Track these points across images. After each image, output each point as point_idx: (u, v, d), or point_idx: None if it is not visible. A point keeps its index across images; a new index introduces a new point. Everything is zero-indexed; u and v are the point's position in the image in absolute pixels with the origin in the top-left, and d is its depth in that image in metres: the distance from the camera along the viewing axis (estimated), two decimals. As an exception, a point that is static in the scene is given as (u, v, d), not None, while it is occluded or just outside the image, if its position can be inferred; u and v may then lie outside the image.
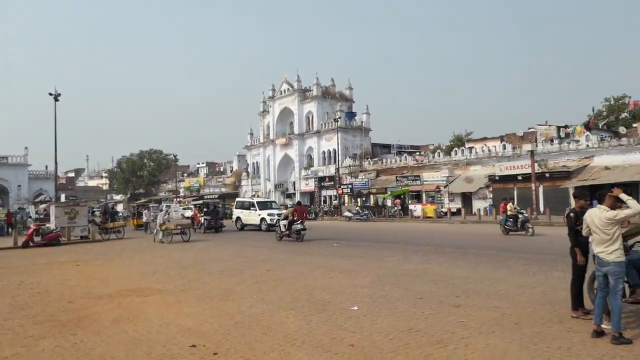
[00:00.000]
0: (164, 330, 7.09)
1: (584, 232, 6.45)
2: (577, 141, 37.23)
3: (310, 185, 59.73)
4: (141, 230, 32.50)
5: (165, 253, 18.16)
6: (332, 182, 54.42)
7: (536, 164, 35.37)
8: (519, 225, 21.35)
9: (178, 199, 66.27)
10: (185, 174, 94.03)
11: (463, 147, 46.38)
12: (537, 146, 37.83)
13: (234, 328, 7.03)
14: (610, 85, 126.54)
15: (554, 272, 10.98)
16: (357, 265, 13.05)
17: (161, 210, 31.38)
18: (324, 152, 59.28)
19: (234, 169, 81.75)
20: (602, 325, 6.10)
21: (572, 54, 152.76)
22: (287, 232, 21.28)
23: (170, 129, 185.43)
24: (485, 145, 44.22)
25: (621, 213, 5.95)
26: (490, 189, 40.72)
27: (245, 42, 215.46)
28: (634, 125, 38.03)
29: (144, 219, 33.23)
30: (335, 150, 55.18)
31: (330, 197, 56.20)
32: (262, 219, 30.14)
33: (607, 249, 5.93)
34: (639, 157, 32.74)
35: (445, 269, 12.04)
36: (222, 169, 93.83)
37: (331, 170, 55.76)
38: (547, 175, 36.17)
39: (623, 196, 6.30)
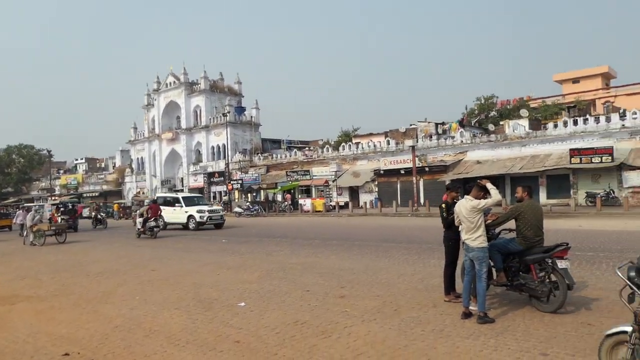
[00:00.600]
0: (32, 339, 6.53)
1: (456, 222, 6.96)
2: (453, 137, 40.08)
3: (199, 181, 58.28)
4: (4, 232, 29.65)
5: (38, 256, 16.73)
6: (222, 178, 53.55)
7: (417, 159, 37.55)
8: None
9: (53, 198, 61.26)
10: (61, 171, 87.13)
11: (350, 143, 47.92)
12: (417, 142, 40.19)
13: (113, 332, 6.67)
14: (481, 84, 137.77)
15: (431, 260, 11.73)
16: (245, 261, 12.98)
17: (31, 211, 28.69)
18: (213, 147, 58.11)
19: (117, 165, 77.34)
20: (470, 307, 6.64)
21: (447, 55, 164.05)
22: (142, 230, 22.23)
23: (43, 122, 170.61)
24: (371, 140, 46.08)
25: (483, 202, 6.51)
26: (376, 182, 42.55)
27: (129, 31, 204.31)
28: (501, 123, 41.76)
29: (18, 220, 30.06)
30: (224, 146, 54.34)
31: (220, 192, 55.26)
32: (190, 217, 26.43)
33: (472, 236, 6.45)
34: (505, 152, 36.04)
35: (332, 261, 12.37)
36: (103, 165, 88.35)
37: (221, 165, 54.83)
38: (427, 169, 38.57)
39: (489, 185, 6.89)
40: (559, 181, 32.70)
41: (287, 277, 10.23)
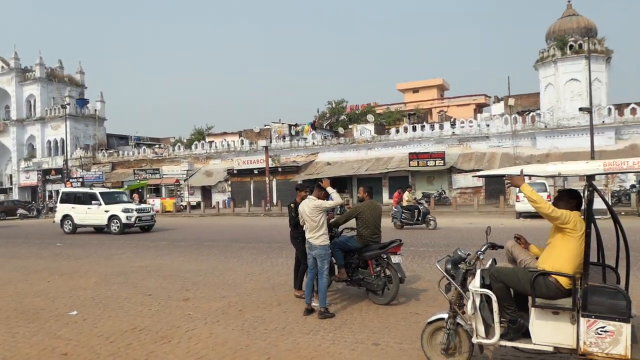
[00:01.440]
0: None
1: (300, 222, 7.13)
2: (305, 139, 41.30)
3: (33, 179, 52.52)
4: None
5: None
6: (60, 176, 48.84)
7: (270, 159, 37.99)
8: (419, 218, 18.47)
9: None
10: None
11: (203, 141, 46.88)
12: (271, 142, 40.69)
13: None
14: (333, 89, 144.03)
15: (279, 258, 11.91)
16: (81, 266, 11.95)
17: None
18: (49, 142, 52.72)
19: None
20: (313, 304, 6.85)
21: (301, 58, 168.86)
22: None
23: None
24: (225, 139, 45.58)
25: (326, 202, 6.77)
26: (229, 182, 42.17)
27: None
28: (350, 126, 44.06)
29: None
30: (63, 140, 49.67)
31: (58, 191, 50.34)
32: (113, 217, 21.55)
33: (314, 235, 6.67)
34: (353, 155, 38.08)
35: (179, 263, 11.94)
36: None
37: (58, 162, 50.00)
38: (280, 169, 39.23)
39: (329, 189, 7.17)
40: (399, 182, 35.30)
41: (127, 282, 9.62)
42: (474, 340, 4.37)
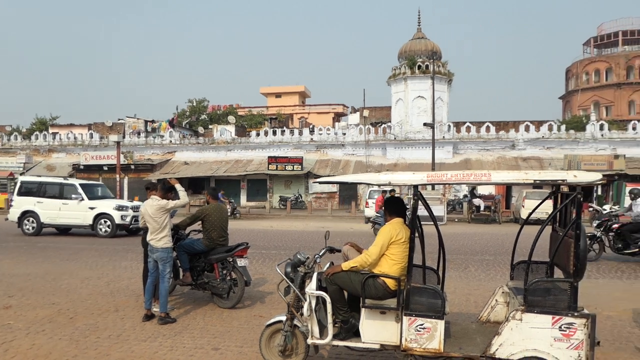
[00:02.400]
0: None
1: (140, 223, 6.77)
2: (162, 136, 39.56)
3: None
4: None
5: None
6: None
7: (123, 156, 35.72)
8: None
9: None
10: None
11: (46, 132, 42.59)
12: (124, 138, 38.30)
13: None
14: (194, 87, 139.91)
15: (123, 262, 11.21)
16: None
17: None
18: None
19: None
20: (152, 309, 6.54)
21: (162, 53, 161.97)
22: None
23: None
24: (72, 132, 41.90)
25: (171, 203, 6.52)
26: (75, 178, 38.75)
27: None
28: (211, 126, 43.18)
29: None
30: None
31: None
32: (100, 216, 16.91)
33: (156, 237, 6.39)
34: (212, 155, 37.36)
35: (5, 266, 10.66)
36: None
37: None
38: (133, 167, 37.08)
39: (178, 187, 6.93)
40: (258, 185, 35.58)
41: None
42: (309, 341, 4.51)
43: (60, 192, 17.66)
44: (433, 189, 25.49)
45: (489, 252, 13.41)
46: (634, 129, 32.69)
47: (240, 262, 7.01)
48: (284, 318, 4.71)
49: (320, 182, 4.73)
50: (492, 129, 34.18)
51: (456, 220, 25.33)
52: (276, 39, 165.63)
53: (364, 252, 4.52)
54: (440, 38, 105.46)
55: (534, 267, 4.84)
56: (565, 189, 4.56)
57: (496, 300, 4.94)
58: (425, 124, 29.42)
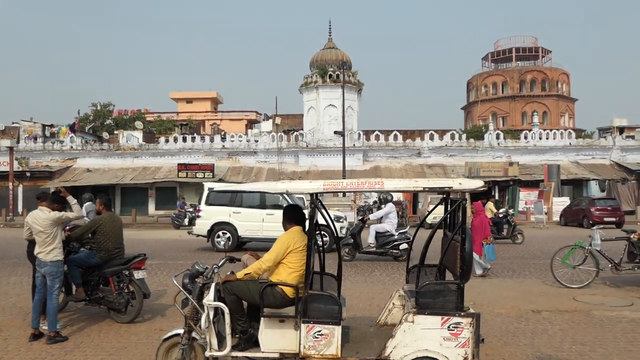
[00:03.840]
0: None
1: (24, 235, 6.30)
2: (62, 142, 37.18)
3: None
4: None
5: None
6: None
7: (17, 162, 33.18)
8: (507, 232, 16.15)
9: None
10: None
11: None
12: (18, 143, 35.60)
13: None
14: (97, 90, 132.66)
15: (12, 276, 10.37)
16: None
17: None
18: None
19: None
20: (41, 327, 6.09)
21: (62, 52, 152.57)
22: None
23: None
24: (-44, 136, 38.23)
25: (64, 214, 6.13)
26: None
27: None
28: (116, 132, 41.22)
29: None
30: None
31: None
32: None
33: (45, 249, 5.97)
34: (117, 162, 35.65)
35: None
36: None
37: None
38: (29, 174, 34.53)
39: (70, 199, 6.54)
40: (167, 193, 34.37)
41: None
42: (207, 353, 4.41)
43: (262, 202, 15.24)
44: (344, 195, 26.04)
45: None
46: (525, 137, 35.41)
47: (138, 275, 6.71)
48: (181, 331, 4.56)
49: (218, 192, 4.65)
50: (400, 137, 35.57)
51: (367, 225, 25.95)
52: (188, 43, 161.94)
53: (259, 260, 4.50)
54: (350, 48, 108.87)
55: (428, 270, 5.07)
56: (453, 195, 4.82)
57: (393, 303, 5.11)
58: (336, 132, 30.01)
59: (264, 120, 50.62)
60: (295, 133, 36.46)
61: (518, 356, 5.49)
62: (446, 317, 4.15)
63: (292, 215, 4.70)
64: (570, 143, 35.27)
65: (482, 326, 6.42)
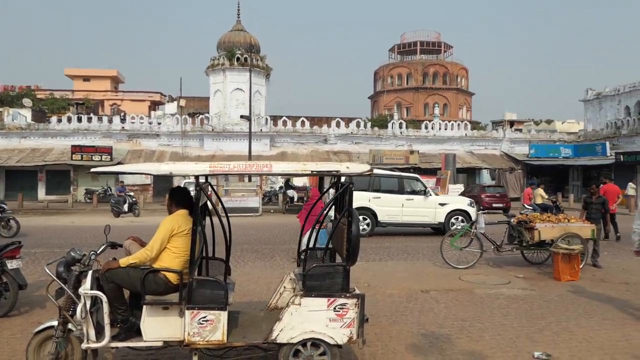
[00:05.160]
0: None
1: None
2: None
3: None
4: None
5: None
6: None
7: None
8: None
9: None
10: None
11: None
12: None
13: None
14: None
15: None
16: None
17: None
18: None
19: None
20: None
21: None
22: None
23: None
24: None
25: None
26: None
27: None
28: (1, 109, 37.63)
29: None
30: None
31: None
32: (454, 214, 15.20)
33: None
34: (1, 143, 32.62)
35: None
36: None
37: None
38: None
39: None
40: (59, 177, 32.11)
41: None
42: (84, 345, 4.14)
43: (401, 187, 15.44)
44: (250, 180, 25.78)
45: (297, 241, 13.96)
46: (426, 128, 37.09)
47: (12, 264, 6.16)
48: (55, 323, 4.24)
49: (95, 173, 4.34)
50: (307, 123, 35.78)
51: (272, 211, 25.97)
52: (86, 18, 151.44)
53: (145, 247, 4.29)
54: (260, 32, 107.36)
55: (319, 253, 5.11)
56: (343, 179, 4.87)
57: (284, 286, 5.10)
58: (242, 117, 29.58)
59: (168, 102, 48.61)
60: (201, 116, 35.44)
61: (404, 334, 5.73)
62: (332, 299, 4.21)
63: (178, 197, 4.51)
64: (466, 134, 37.45)
65: (374, 306, 6.75)
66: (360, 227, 10.11)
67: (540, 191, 17.45)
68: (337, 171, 4.26)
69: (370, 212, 14.81)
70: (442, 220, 14.98)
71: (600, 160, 32.93)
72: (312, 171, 4.23)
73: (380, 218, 14.80)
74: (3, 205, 15.12)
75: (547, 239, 9.31)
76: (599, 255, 10.00)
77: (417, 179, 15.94)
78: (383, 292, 7.71)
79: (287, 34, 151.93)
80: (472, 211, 15.12)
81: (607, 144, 33.93)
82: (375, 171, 16.44)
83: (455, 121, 40.02)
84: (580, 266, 8.91)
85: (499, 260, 10.30)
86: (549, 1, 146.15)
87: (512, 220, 9.90)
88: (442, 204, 15.32)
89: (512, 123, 46.40)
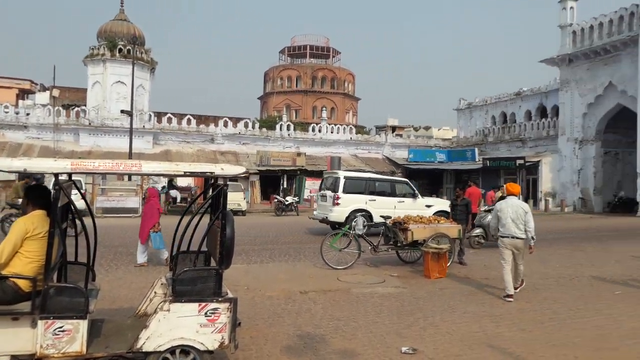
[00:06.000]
0: None
1: None
2: None
3: None
4: None
5: None
6: None
7: None
8: None
9: None
10: None
11: None
12: None
13: None
14: None
15: None
16: None
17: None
18: None
19: None
20: None
21: None
22: None
23: None
24: None
25: None
26: None
27: None
28: None
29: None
30: None
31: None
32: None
33: None
34: None
35: None
36: None
37: None
38: None
39: None
40: None
41: None
42: None
43: (392, 190, 16.58)
44: (130, 179, 24.49)
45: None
46: (313, 130, 37.83)
47: None
48: None
49: (352, 180, 3.85)
50: (194, 122, 34.83)
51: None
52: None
53: None
54: (145, 24, 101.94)
55: (193, 256, 4.95)
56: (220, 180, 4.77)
57: (155, 292, 4.88)
58: (123, 111, 28.05)
59: (40, 91, 44.60)
60: (77, 109, 32.99)
61: (281, 336, 5.73)
62: (204, 304, 4.09)
63: (35, 196, 4.12)
64: (351, 138, 38.77)
65: (252, 309, 6.69)
66: (361, 226, 10.89)
67: (500, 194, 19.04)
68: (211, 172, 4.15)
69: (367, 214, 15.41)
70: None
71: (470, 165, 35.82)
72: (184, 172, 4.08)
73: (375, 219, 15.04)
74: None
75: (419, 239, 9.87)
76: (464, 254, 10.82)
77: (407, 183, 17.20)
78: (262, 294, 7.68)
79: (175, 29, 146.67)
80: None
81: (476, 150, 37.08)
82: (371, 175, 18.10)
83: (342, 125, 41.29)
84: (448, 264, 9.57)
85: (375, 260, 10.74)
86: (431, 17, 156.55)
87: (388, 221, 10.37)
88: (428, 206, 16.31)
89: (394, 128, 48.96)
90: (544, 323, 6.36)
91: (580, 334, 5.94)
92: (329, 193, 15.91)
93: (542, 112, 37.72)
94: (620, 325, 6.28)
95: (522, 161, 32.95)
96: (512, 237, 7.65)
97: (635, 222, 22.66)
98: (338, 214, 15.47)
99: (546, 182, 32.75)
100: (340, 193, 15.56)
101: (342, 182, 15.74)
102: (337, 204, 15.48)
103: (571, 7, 32.19)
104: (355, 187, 16.00)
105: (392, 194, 16.42)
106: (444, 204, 16.97)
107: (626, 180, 31.21)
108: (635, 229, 19.44)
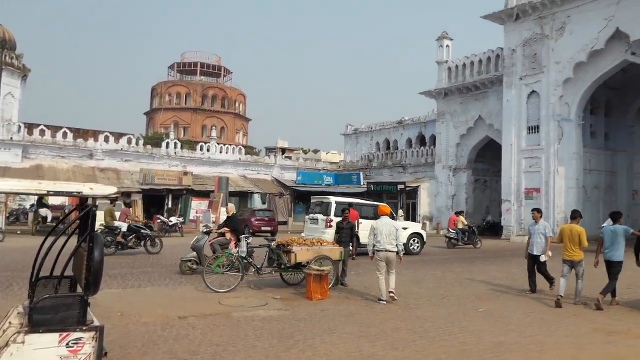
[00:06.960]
0: None
1: None
2: None
3: None
4: None
5: None
6: None
7: None
8: (470, 239, 21.52)
9: None
10: None
11: None
12: None
13: None
14: None
15: None
16: None
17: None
18: None
19: None
20: None
21: None
22: None
23: None
24: None
25: None
26: None
27: None
28: None
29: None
30: None
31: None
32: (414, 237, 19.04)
33: None
34: None
35: None
36: None
37: None
38: None
39: None
40: None
41: None
42: None
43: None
44: (-8, 196, 22.13)
45: (46, 267, 12.40)
46: (201, 149, 37.04)
47: None
48: None
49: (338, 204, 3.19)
50: (70, 135, 32.48)
51: (19, 232, 22.70)
52: None
53: None
54: (18, 28, 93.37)
55: (56, 282, 4.58)
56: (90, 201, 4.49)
57: (10, 322, 4.41)
58: (-13, 121, 25.41)
59: None
60: None
61: (155, 365, 5.47)
62: (65, 334, 3.79)
63: None
64: (240, 158, 38.51)
65: (125, 337, 6.31)
66: (245, 248, 10.33)
67: (462, 219, 21.94)
68: (79, 192, 3.89)
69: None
70: (405, 241, 17.02)
71: (355, 189, 37.15)
72: (48, 191, 3.79)
73: (362, 240, 15.69)
74: (152, 226, 17.48)
75: (302, 261, 9.99)
76: (346, 275, 11.13)
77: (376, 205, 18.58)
78: (137, 321, 7.29)
79: (51, 35, 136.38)
80: (424, 234, 19.50)
81: (362, 174, 38.61)
82: (357, 201, 19.80)
83: (232, 145, 40.92)
84: (330, 286, 9.77)
85: (259, 282, 10.67)
86: (324, 43, 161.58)
87: (272, 244, 10.39)
88: (405, 228, 17.45)
89: (284, 150, 49.49)
90: (416, 341, 6.70)
91: (447, 350, 6.34)
92: (320, 217, 17.77)
93: (422, 140, 40.35)
94: (481, 341, 6.81)
95: (402, 186, 34.89)
96: (386, 251, 8.90)
97: (501, 245, 24.83)
98: (331, 236, 15.94)
99: (424, 206, 34.90)
100: (332, 217, 17.22)
101: (333, 206, 17.69)
102: (331, 226, 16.92)
103: (447, 45, 35.02)
104: (340, 211, 17.12)
105: (375, 217, 16.83)
106: (417, 227, 20.11)
107: (493, 206, 34.23)
108: (500, 251, 21.32)
